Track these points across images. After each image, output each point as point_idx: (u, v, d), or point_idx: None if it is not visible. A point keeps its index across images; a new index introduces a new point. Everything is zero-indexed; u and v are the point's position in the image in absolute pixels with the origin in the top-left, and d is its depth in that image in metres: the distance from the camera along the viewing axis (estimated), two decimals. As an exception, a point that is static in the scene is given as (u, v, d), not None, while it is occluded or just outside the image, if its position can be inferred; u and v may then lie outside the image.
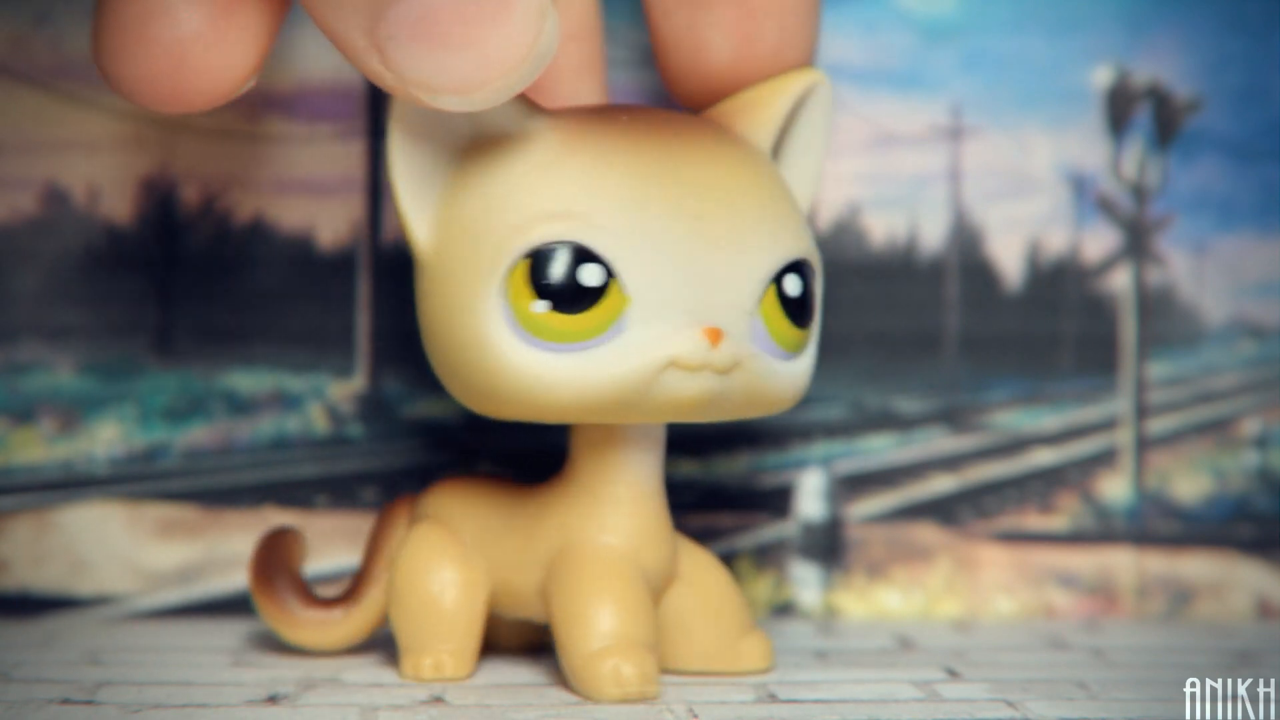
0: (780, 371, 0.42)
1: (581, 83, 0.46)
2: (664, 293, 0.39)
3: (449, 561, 0.44)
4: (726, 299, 0.40)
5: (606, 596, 0.41)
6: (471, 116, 0.40)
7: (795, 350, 0.42)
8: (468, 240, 0.40)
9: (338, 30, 0.38)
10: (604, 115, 0.41)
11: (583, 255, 0.39)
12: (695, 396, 0.40)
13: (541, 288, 0.39)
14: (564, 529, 0.43)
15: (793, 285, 0.41)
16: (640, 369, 0.40)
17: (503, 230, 0.40)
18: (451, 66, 0.37)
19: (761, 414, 0.42)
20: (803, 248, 0.42)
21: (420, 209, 0.41)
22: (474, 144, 0.41)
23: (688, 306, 0.40)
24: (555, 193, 0.40)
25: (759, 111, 0.43)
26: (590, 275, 0.39)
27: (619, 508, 0.43)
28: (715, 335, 0.40)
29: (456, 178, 0.41)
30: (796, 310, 0.41)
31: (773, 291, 0.41)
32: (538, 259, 0.39)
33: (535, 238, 0.39)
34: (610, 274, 0.39)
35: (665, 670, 0.44)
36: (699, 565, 0.44)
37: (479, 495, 0.45)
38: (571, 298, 0.39)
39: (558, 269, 0.39)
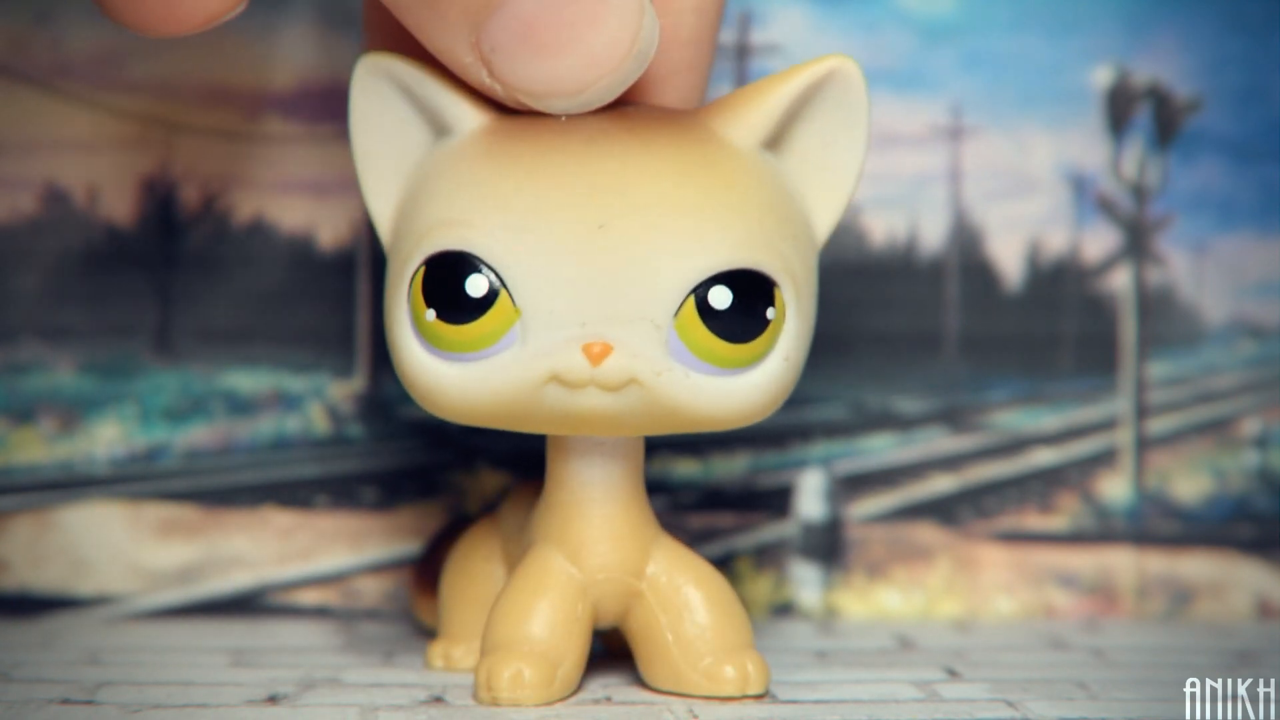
0: (708, 388, 0.39)
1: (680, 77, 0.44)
2: (554, 305, 0.38)
3: (478, 557, 0.45)
4: (628, 311, 0.38)
5: (512, 602, 0.41)
6: (431, 116, 0.40)
7: (734, 365, 0.39)
8: (395, 244, 0.40)
9: (445, 49, 0.38)
10: (542, 116, 0.39)
11: (470, 265, 0.38)
12: (586, 413, 0.38)
13: (430, 296, 0.38)
14: (528, 531, 0.43)
15: (719, 298, 0.38)
16: (519, 385, 0.38)
17: (413, 236, 0.39)
18: (555, 71, 0.37)
19: (699, 430, 0.40)
20: (746, 257, 0.38)
21: (384, 207, 0.41)
22: (435, 146, 0.40)
23: (581, 319, 0.38)
24: (453, 199, 0.39)
25: (743, 107, 0.40)
26: (475, 286, 0.38)
27: (562, 513, 0.42)
28: (601, 351, 0.38)
29: (413, 179, 0.41)
30: (727, 324, 0.38)
31: (692, 303, 0.38)
32: (430, 267, 0.38)
33: (430, 245, 0.39)
34: (499, 285, 0.38)
35: (660, 691, 0.42)
36: (691, 581, 0.42)
37: (526, 495, 0.45)
38: (458, 308, 0.38)
39: (444, 279, 0.38)
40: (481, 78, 0.38)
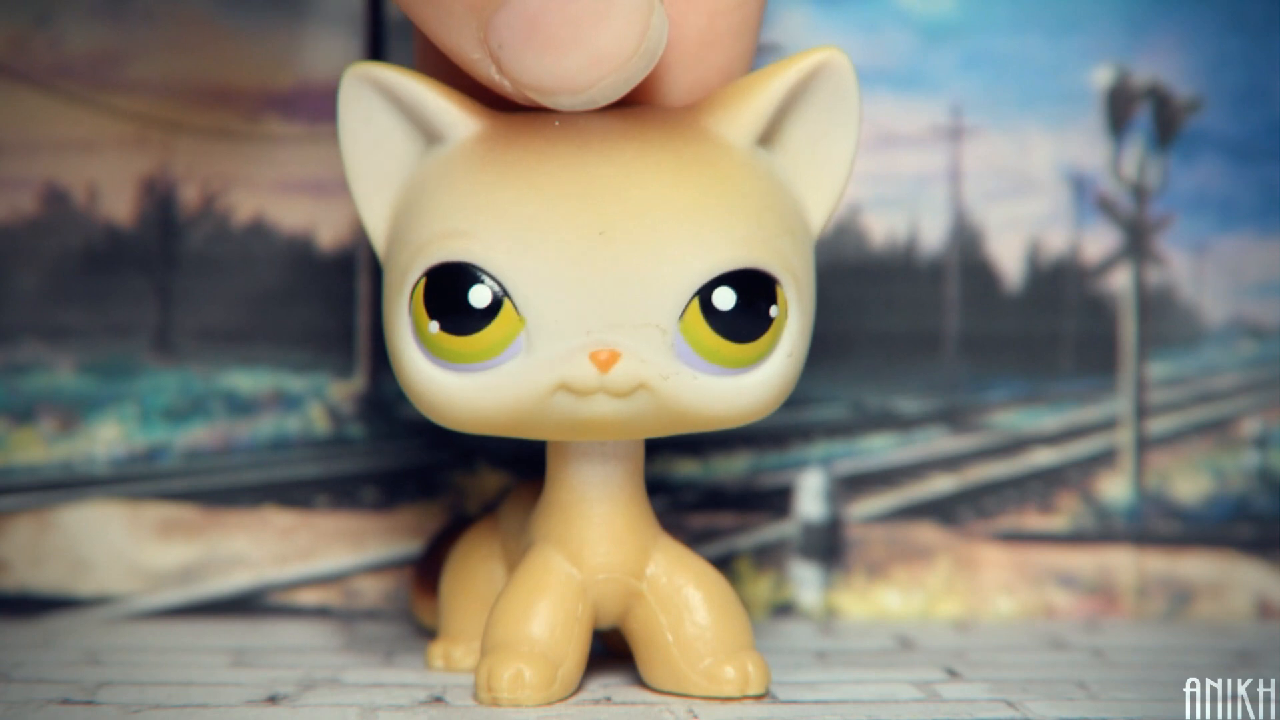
0: (715, 388, 0.39)
1: (709, 54, 0.43)
2: (559, 313, 0.38)
3: (478, 557, 0.45)
4: (633, 317, 0.38)
5: (512, 602, 0.41)
6: (422, 124, 0.40)
7: (739, 365, 0.39)
8: (392, 254, 0.40)
9: (454, 47, 0.38)
10: (534, 121, 0.39)
11: (472, 276, 0.38)
12: (594, 419, 0.39)
13: (433, 308, 0.38)
14: (528, 531, 0.43)
15: (723, 299, 0.38)
16: (527, 394, 0.38)
17: (411, 247, 0.39)
18: (562, 67, 0.37)
19: (706, 429, 0.40)
20: (748, 256, 0.39)
21: (377, 216, 0.41)
22: (427, 154, 0.40)
23: (587, 326, 0.38)
24: (451, 210, 0.39)
25: (736, 103, 0.40)
26: (479, 297, 0.38)
27: (562, 513, 0.42)
28: (609, 358, 0.38)
29: (407, 188, 0.40)
30: (732, 324, 0.39)
31: (696, 305, 0.38)
32: (431, 279, 0.38)
33: (430, 257, 0.38)
34: (503, 295, 0.38)
35: (660, 691, 0.42)
36: (691, 581, 0.42)
37: (526, 495, 0.45)
38: (462, 319, 0.38)
39: (447, 290, 0.38)
40: (490, 74, 0.38)
